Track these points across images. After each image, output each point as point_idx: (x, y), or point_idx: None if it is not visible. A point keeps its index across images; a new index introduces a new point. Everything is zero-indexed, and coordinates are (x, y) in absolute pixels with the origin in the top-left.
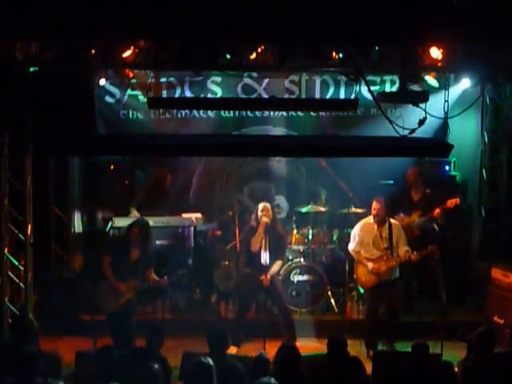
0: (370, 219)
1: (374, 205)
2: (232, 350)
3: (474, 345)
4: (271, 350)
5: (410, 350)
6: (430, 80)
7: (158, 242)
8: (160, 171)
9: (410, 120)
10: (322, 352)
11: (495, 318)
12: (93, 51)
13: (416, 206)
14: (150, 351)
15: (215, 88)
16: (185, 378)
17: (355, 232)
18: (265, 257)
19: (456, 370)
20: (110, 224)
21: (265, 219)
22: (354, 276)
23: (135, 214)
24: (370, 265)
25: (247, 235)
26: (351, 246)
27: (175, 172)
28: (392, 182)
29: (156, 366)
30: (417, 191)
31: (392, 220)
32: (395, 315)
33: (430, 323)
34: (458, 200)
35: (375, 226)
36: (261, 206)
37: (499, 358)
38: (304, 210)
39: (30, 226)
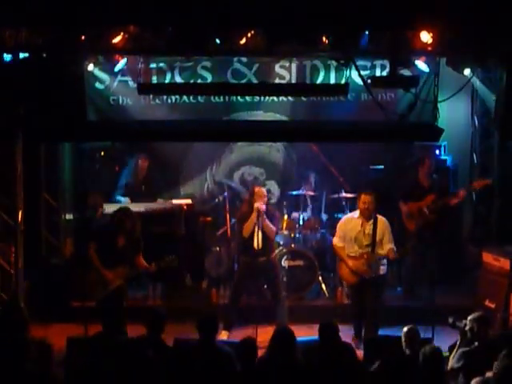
0: (356, 214)
1: (363, 198)
2: (223, 335)
3: (470, 330)
4: (264, 335)
5: (401, 335)
6: (421, 64)
7: (147, 229)
8: (140, 157)
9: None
10: (314, 337)
11: (486, 303)
12: (82, 37)
13: (427, 192)
14: (150, 338)
15: (205, 73)
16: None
17: (339, 226)
18: (257, 242)
19: (447, 354)
20: (100, 211)
21: (257, 205)
22: (337, 273)
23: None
24: (350, 263)
25: (240, 221)
26: (335, 241)
27: (164, 158)
28: (382, 166)
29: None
30: (427, 178)
31: (379, 216)
32: (376, 314)
33: (421, 308)
34: (488, 181)
35: (360, 222)
36: (256, 189)
37: (493, 342)
38: (294, 195)
39: (20, 213)
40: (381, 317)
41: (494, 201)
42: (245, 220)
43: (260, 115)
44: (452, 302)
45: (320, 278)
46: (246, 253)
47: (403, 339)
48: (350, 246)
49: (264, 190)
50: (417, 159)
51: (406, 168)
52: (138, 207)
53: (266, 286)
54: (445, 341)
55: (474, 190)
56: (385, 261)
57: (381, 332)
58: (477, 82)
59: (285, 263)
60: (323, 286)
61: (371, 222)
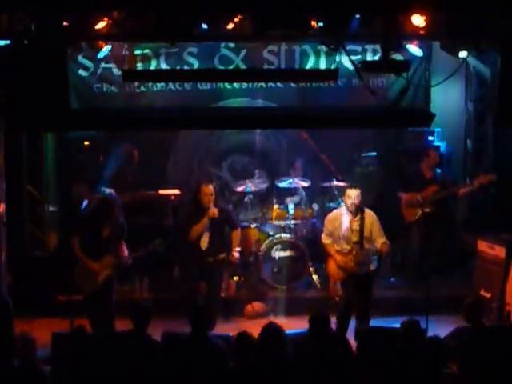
0: (343, 210)
1: (350, 193)
2: None
3: (464, 317)
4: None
5: (395, 325)
6: (413, 48)
7: (134, 220)
8: (127, 147)
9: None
10: (305, 329)
11: (482, 292)
12: (65, 23)
13: (429, 183)
14: (136, 333)
15: (192, 59)
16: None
17: (326, 223)
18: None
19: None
20: (84, 202)
21: (212, 211)
22: (325, 269)
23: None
24: (338, 259)
25: (186, 221)
26: (323, 237)
27: (150, 147)
28: (374, 153)
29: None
30: (429, 170)
31: (366, 210)
32: (367, 310)
33: (415, 298)
34: (492, 177)
35: (347, 219)
36: (203, 187)
37: (490, 332)
38: (284, 184)
39: (2, 205)
40: (371, 310)
41: (489, 188)
42: (193, 221)
43: (248, 102)
44: (447, 291)
45: (311, 268)
46: (193, 254)
47: (402, 331)
48: (338, 243)
49: (211, 187)
50: (420, 150)
51: (404, 156)
52: (124, 198)
53: (207, 285)
54: (439, 331)
55: (479, 185)
56: (375, 256)
57: (374, 323)
58: (472, 65)
59: (275, 254)
60: (314, 277)
61: (358, 217)
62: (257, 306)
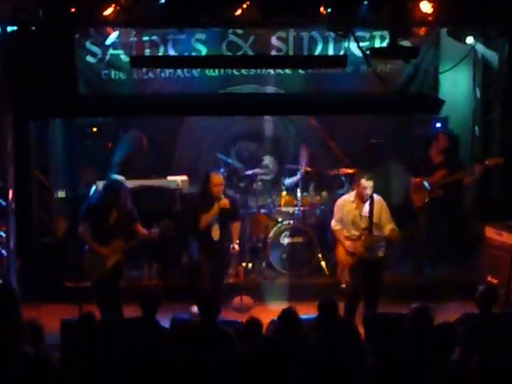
0: (351, 196)
1: (364, 183)
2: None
3: (477, 304)
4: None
5: (403, 312)
6: (421, 35)
7: (142, 206)
8: (136, 133)
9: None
10: (313, 315)
11: (489, 278)
12: (73, 9)
13: (437, 168)
14: (145, 319)
15: (199, 46)
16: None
17: (336, 210)
18: (215, 232)
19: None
20: (93, 188)
21: (223, 202)
22: (334, 255)
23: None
24: (347, 244)
25: (196, 210)
26: (332, 224)
27: (158, 133)
28: (383, 140)
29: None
30: (439, 155)
31: (375, 196)
32: (375, 299)
33: (423, 284)
34: (500, 160)
35: (355, 205)
36: (212, 176)
37: (496, 318)
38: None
39: (11, 192)
40: (380, 296)
41: (497, 174)
42: (202, 211)
43: (256, 89)
44: (454, 277)
45: (319, 255)
46: (203, 242)
47: (410, 317)
48: (347, 229)
49: (221, 177)
50: (429, 136)
51: (413, 142)
52: (132, 184)
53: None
54: (447, 317)
55: (487, 167)
56: (383, 242)
57: (381, 309)
58: (480, 51)
59: (283, 240)
60: (322, 263)
61: (367, 203)
62: (246, 299)
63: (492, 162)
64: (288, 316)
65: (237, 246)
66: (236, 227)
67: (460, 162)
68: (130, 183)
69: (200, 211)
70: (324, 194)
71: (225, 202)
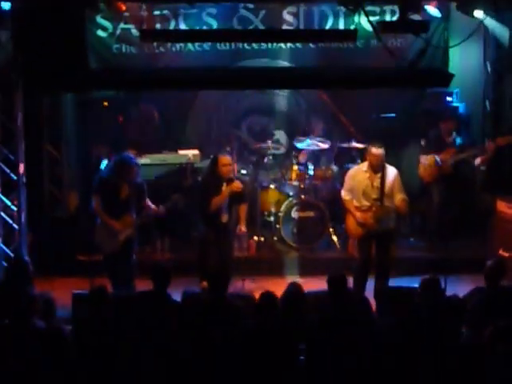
0: (364, 166)
1: (374, 152)
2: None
3: (485, 278)
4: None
5: (414, 286)
6: (431, 9)
7: (153, 181)
8: (147, 107)
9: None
10: (324, 289)
11: (500, 252)
12: None
13: (448, 146)
14: (156, 293)
15: (210, 20)
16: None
17: (347, 179)
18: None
19: None
20: (104, 162)
21: (236, 185)
22: (344, 226)
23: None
24: (358, 215)
25: (206, 192)
26: (343, 193)
27: (169, 108)
28: (394, 115)
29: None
30: (448, 135)
31: (388, 166)
32: (386, 268)
33: (434, 258)
34: (511, 138)
35: (368, 175)
36: (220, 158)
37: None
38: (303, 145)
39: (22, 165)
40: (390, 269)
41: (508, 150)
42: (212, 193)
43: (267, 63)
44: (466, 252)
45: (331, 229)
46: (211, 225)
47: (421, 288)
48: (358, 200)
49: (229, 157)
50: (439, 111)
51: (423, 117)
52: (144, 159)
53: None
54: (458, 291)
55: (498, 146)
56: (394, 214)
57: (393, 283)
58: (490, 26)
59: (295, 214)
60: (334, 237)
61: (379, 174)
62: (248, 285)
63: (504, 140)
64: (292, 292)
65: (244, 228)
66: (243, 209)
67: (471, 141)
68: (142, 158)
69: (210, 194)
70: (335, 168)
71: (237, 184)
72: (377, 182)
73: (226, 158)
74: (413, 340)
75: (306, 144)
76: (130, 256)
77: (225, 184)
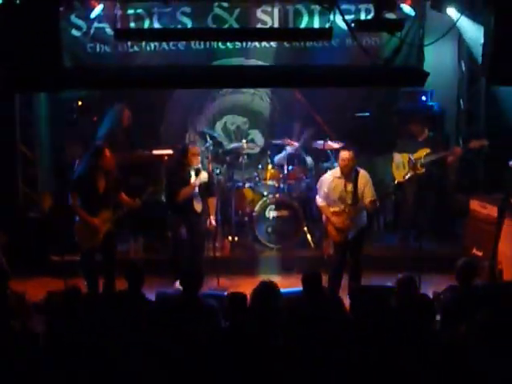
0: (337, 172)
1: (343, 155)
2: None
3: (456, 277)
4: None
5: (388, 284)
6: (406, 8)
7: (128, 180)
8: (120, 107)
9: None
10: (299, 288)
11: (474, 251)
12: None
13: (421, 145)
14: (131, 292)
15: (185, 19)
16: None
17: (321, 185)
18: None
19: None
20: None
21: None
22: (325, 229)
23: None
24: (334, 220)
25: (173, 182)
26: (318, 200)
27: (143, 108)
28: (368, 113)
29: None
30: (421, 134)
31: (360, 170)
32: (359, 264)
33: (408, 257)
34: (484, 142)
35: (342, 182)
36: (191, 148)
37: (480, 290)
38: (277, 144)
39: None
40: (363, 269)
41: (481, 152)
42: (180, 182)
43: (242, 62)
44: (440, 250)
45: (305, 228)
46: (182, 213)
47: (397, 286)
48: (334, 205)
49: (198, 148)
50: (413, 110)
51: (398, 116)
52: (118, 158)
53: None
54: (432, 290)
55: (470, 150)
56: (365, 212)
57: (366, 281)
58: (463, 26)
59: (270, 214)
60: (308, 236)
61: (352, 178)
62: (222, 281)
63: (477, 144)
64: (264, 289)
65: (213, 221)
66: (212, 202)
67: (445, 140)
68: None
69: (177, 184)
70: (310, 167)
71: (204, 175)
72: (350, 187)
73: (195, 148)
74: (387, 337)
75: (281, 143)
76: (111, 251)
77: (193, 174)
